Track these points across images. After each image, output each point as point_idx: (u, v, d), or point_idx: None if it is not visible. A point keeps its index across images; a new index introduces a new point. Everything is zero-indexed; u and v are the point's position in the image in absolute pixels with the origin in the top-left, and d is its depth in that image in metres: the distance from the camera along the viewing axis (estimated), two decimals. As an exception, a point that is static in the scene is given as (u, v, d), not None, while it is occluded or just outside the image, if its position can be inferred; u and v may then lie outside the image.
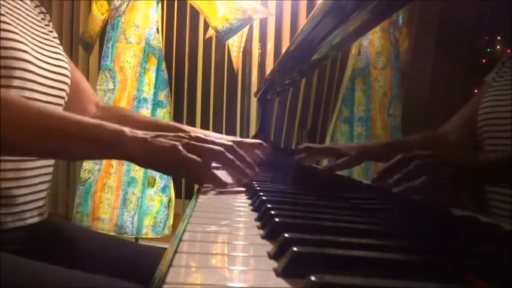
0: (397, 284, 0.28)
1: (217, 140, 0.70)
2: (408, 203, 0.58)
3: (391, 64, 0.71)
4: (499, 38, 0.43)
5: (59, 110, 0.69)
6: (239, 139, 0.95)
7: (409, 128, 0.60)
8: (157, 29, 2.28)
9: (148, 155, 0.64)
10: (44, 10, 0.92)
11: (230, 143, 0.71)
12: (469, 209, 0.44)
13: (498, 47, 0.43)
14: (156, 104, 2.25)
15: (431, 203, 0.53)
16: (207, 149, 0.67)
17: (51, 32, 0.90)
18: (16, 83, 0.72)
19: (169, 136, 0.66)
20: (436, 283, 0.29)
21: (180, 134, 0.69)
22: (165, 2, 2.62)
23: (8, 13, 0.75)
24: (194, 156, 0.64)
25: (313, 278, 0.26)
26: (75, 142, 0.64)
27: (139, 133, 0.65)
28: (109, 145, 0.64)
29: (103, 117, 0.92)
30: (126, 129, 0.65)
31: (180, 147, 0.64)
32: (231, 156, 0.69)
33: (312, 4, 2.52)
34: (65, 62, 0.88)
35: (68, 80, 0.87)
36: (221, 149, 0.68)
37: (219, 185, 0.68)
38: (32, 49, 0.77)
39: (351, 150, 0.73)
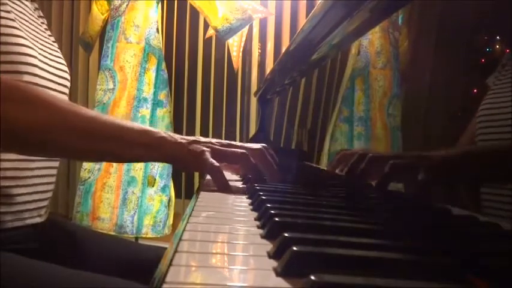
0: (397, 284, 0.28)
1: (246, 145, 0.76)
2: (408, 203, 0.58)
3: (391, 64, 0.71)
4: (498, 38, 0.43)
5: (102, 114, 0.72)
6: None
7: (408, 128, 0.60)
8: (157, 29, 2.28)
9: (183, 159, 0.70)
10: (41, 14, 0.93)
11: (259, 147, 0.76)
12: (468, 209, 0.44)
13: (498, 47, 0.43)
14: (156, 103, 2.25)
15: (431, 203, 0.54)
16: (231, 152, 0.72)
17: (50, 36, 0.91)
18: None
19: (202, 142, 0.72)
20: (436, 283, 0.29)
21: (212, 140, 0.75)
22: (165, 2, 2.62)
23: (16, 18, 0.76)
24: (216, 164, 0.69)
25: (313, 278, 0.26)
26: (125, 146, 0.69)
27: (178, 137, 0.71)
28: (154, 149, 0.69)
29: None
30: (166, 135, 0.71)
31: (207, 153, 0.70)
32: (252, 162, 0.73)
33: (312, 4, 2.52)
34: (65, 65, 0.89)
35: (68, 84, 0.89)
36: (244, 151, 0.73)
37: (223, 188, 0.71)
38: (38, 53, 0.79)
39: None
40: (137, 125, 0.71)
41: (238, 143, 0.77)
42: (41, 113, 0.63)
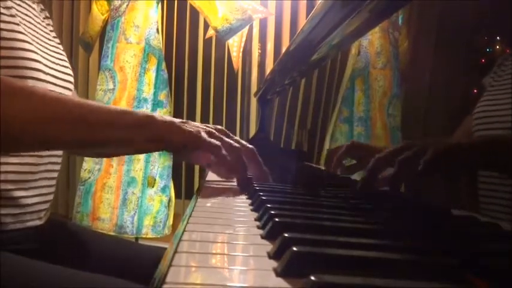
0: (397, 284, 0.28)
1: (241, 141, 0.73)
2: (408, 203, 0.58)
3: (391, 64, 0.71)
4: (498, 38, 0.43)
5: (86, 100, 0.69)
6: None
7: (408, 128, 0.60)
8: (157, 29, 2.28)
9: (174, 138, 0.65)
10: (47, 15, 0.93)
11: (251, 147, 0.73)
12: (468, 209, 0.44)
13: (498, 47, 0.43)
14: (156, 104, 2.25)
15: (431, 203, 0.54)
16: (229, 143, 0.69)
17: (55, 37, 0.91)
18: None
19: (195, 124, 0.69)
20: (436, 283, 0.29)
21: (205, 124, 0.71)
22: (165, 2, 2.62)
23: (21, 22, 0.76)
24: (216, 142, 0.66)
25: (313, 278, 0.26)
26: (109, 129, 0.64)
27: (167, 118, 0.67)
28: (144, 128, 0.64)
29: None
30: (156, 114, 0.66)
31: (203, 132, 0.66)
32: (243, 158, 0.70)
33: (312, 4, 2.52)
34: (69, 68, 0.89)
35: (72, 86, 0.88)
36: (238, 146, 0.69)
37: (230, 170, 0.69)
38: (43, 57, 0.78)
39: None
40: (122, 108, 0.67)
41: (230, 134, 0.73)
42: (23, 105, 0.60)
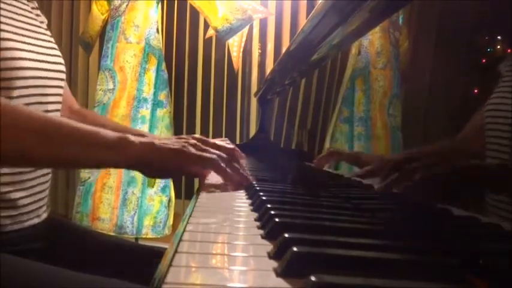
0: (397, 284, 0.28)
1: (219, 143, 0.71)
2: (408, 203, 0.58)
3: (391, 64, 0.71)
4: (499, 38, 0.43)
5: (58, 116, 0.66)
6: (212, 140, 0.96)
7: (409, 128, 0.60)
8: (157, 29, 2.28)
9: (158, 159, 0.63)
10: (36, 5, 0.90)
11: (232, 147, 0.72)
12: (469, 209, 0.44)
13: (498, 47, 0.43)
14: (156, 104, 2.25)
15: (431, 203, 0.53)
16: (214, 152, 0.67)
17: (42, 23, 0.87)
18: (16, 92, 0.72)
19: (173, 140, 0.66)
20: (436, 283, 0.29)
21: (182, 136, 0.69)
22: (165, 2, 2.62)
23: (3, 15, 0.74)
24: (205, 154, 0.64)
25: (313, 278, 0.26)
26: (79, 148, 0.62)
27: (145, 139, 0.64)
28: (115, 150, 0.62)
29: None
30: (131, 136, 0.63)
31: (188, 147, 0.63)
32: (223, 166, 0.68)
33: (312, 4, 2.52)
34: (60, 57, 0.86)
35: (64, 76, 0.87)
36: (225, 155, 0.68)
37: (228, 178, 0.68)
38: (29, 51, 0.76)
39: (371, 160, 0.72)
40: (96, 128, 0.63)
41: (210, 141, 0.71)
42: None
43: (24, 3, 0.83)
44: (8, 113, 0.58)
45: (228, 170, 0.67)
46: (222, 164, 0.66)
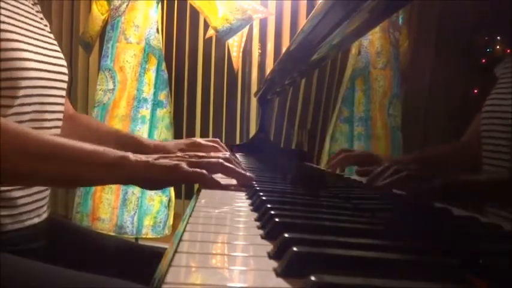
0: (397, 284, 0.28)
1: (212, 154, 0.74)
2: (408, 203, 0.58)
3: (391, 64, 0.71)
4: (499, 38, 0.43)
5: (60, 137, 0.69)
6: (194, 139, 1.00)
7: (409, 128, 0.60)
8: (157, 29, 2.28)
9: (153, 176, 0.66)
10: (35, 0, 0.90)
11: (226, 155, 0.74)
12: (469, 209, 0.44)
13: (498, 47, 0.43)
14: (156, 104, 2.25)
15: (431, 204, 0.53)
16: (206, 163, 0.69)
17: (46, 26, 0.88)
18: (21, 92, 0.72)
19: (169, 157, 0.69)
20: (436, 283, 0.29)
21: (178, 154, 0.72)
22: (165, 2, 2.62)
23: (9, 16, 0.74)
24: (197, 169, 0.66)
25: (313, 278, 0.26)
26: (80, 167, 0.65)
27: (142, 157, 0.67)
28: (114, 169, 0.65)
29: (67, 127, 0.92)
30: (130, 154, 0.66)
31: (183, 165, 0.66)
32: (229, 165, 0.71)
33: (312, 4, 2.52)
34: (63, 59, 0.87)
35: (66, 78, 0.87)
36: (219, 160, 0.71)
37: (224, 189, 0.70)
38: (34, 52, 0.77)
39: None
40: (95, 146, 0.67)
41: (202, 142, 0.74)
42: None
43: (29, 7, 0.83)
44: (16, 136, 0.62)
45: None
46: (208, 176, 0.68)
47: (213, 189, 0.68)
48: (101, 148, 0.66)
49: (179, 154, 0.72)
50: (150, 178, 0.66)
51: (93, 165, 0.65)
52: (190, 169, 0.66)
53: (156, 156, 0.68)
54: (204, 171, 0.67)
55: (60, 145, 0.65)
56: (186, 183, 0.72)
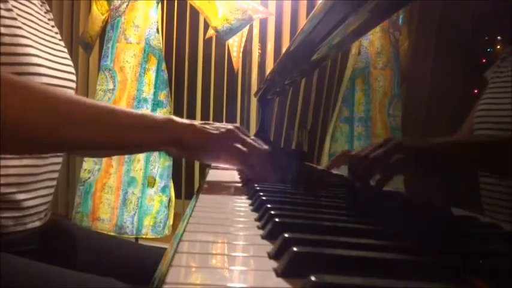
0: (397, 284, 0.28)
1: (258, 143, 0.73)
2: (408, 203, 0.58)
3: (391, 64, 0.71)
4: (499, 38, 0.43)
5: (103, 103, 0.70)
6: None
7: (409, 128, 0.60)
8: (157, 29, 2.28)
9: (199, 140, 0.66)
10: (48, 8, 0.91)
11: (267, 148, 0.74)
12: (469, 209, 0.44)
13: (498, 47, 0.43)
14: (156, 104, 2.25)
15: (431, 203, 0.53)
16: (251, 145, 0.69)
17: (57, 33, 0.90)
18: None
19: (215, 124, 0.70)
20: (436, 283, 0.29)
21: (221, 124, 0.71)
22: (165, 2, 2.62)
23: (23, 23, 0.75)
24: (240, 146, 0.67)
25: (313, 278, 0.26)
26: (128, 131, 0.65)
27: (186, 121, 0.68)
28: (162, 131, 0.66)
29: None
30: (175, 117, 0.67)
31: (227, 135, 0.67)
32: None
33: (312, 4, 2.52)
34: (71, 66, 0.88)
35: (74, 85, 0.88)
36: (263, 149, 0.71)
37: (262, 178, 0.70)
38: (46, 59, 0.77)
39: None
40: (139, 111, 0.68)
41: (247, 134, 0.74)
42: (34, 105, 0.59)
43: (41, 14, 0.84)
44: (65, 101, 0.62)
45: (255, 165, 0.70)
46: (249, 160, 0.68)
47: (247, 171, 0.68)
48: (145, 112, 0.66)
49: (221, 125, 0.71)
50: (196, 141, 0.66)
51: (142, 128, 0.65)
52: (234, 144, 0.66)
53: (199, 122, 0.69)
54: (245, 150, 0.66)
55: (106, 110, 0.65)
56: (223, 157, 0.70)
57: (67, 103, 0.63)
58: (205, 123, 0.68)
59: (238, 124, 0.74)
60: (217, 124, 0.70)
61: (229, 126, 0.71)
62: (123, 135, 0.65)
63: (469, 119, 0.46)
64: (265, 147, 0.74)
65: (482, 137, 0.43)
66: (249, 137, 0.72)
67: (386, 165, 0.51)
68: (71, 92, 0.86)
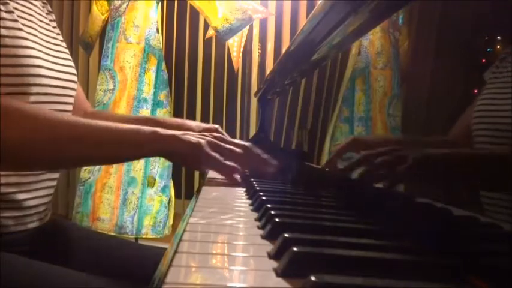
0: (397, 284, 0.28)
1: (236, 141, 0.78)
2: (408, 203, 0.58)
3: (391, 64, 0.71)
4: (499, 38, 0.43)
5: (89, 119, 0.73)
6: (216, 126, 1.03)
7: (409, 128, 0.60)
8: (157, 29, 2.28)
9: (178, 150, 0.71)
10: (50, 9, 0.91)
11: (247, 144, 0.78)
12: (469, 209, 0.44)
13: (498, 47, 0.43)
14: (156, 104, 2.25)
15: (431, 203, 0.53)
16: (229, 149, 0.74)
17: (59, 34, 0.90)
18: (32, 98, 0.73)
19: (195, 134, 0.74)
20: (436, 283, 0.29)
21: (204, 133, 0.77)
22: (165, 2, 2.62)
23: (24, 24, 0.75)
24: (216, 155, 0.71)
25: (313, 278, 0.26)
26: (113, 149, 0.71)
27: (169, 131, 0.72)
28: (147, 145, 0.71)
29: None
30: (159, 129, 0.71)
31: (205, 144, 0.71)
32: (254, 153, 0.76)
33: (312, 4, 2.52)
34: (73, 67, 0.88)
35: (75, 86, 0.88)
36: (241, 151, 0.75)
37: (234, 182, 0.73)
38: (46, 60, 0.77)
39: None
40: (126, 125, 0.72)
41: (227, 138, 0.78)
42: (26, 126, 0.63)
43: (43, 16, 0.84)
44: (43, 121, 0.66)
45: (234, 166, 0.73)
46: (223, 162, 0.72)
47: (224, 176, 0.72)
48: (136, 128, 0.71)
49: (205, 134, 0.75)
50: (176, 151, 0.71)
51: (126, 144, 0.70)
52: (211, 152, 0.70)
53: (182, 132, 0.73)
54: (221, 158, 0.70)
55: (91, 127, 0.69)
56: (203, 165, 0.76)
57: (53, 121, 0.67)
58: (185, 134, 0.72)
59: (217, 126, 0.82)
60: (197, 134, 0.74)
61: (206, 135, 0.75)
62: (107, 153, 0.71)
63: (464, 116, 0.46)
64: (244, 143, 0.78)
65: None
66: (228, 142, 0.76)
67: (398, 172, 0.51)
68: (72, 95, 0.86)
